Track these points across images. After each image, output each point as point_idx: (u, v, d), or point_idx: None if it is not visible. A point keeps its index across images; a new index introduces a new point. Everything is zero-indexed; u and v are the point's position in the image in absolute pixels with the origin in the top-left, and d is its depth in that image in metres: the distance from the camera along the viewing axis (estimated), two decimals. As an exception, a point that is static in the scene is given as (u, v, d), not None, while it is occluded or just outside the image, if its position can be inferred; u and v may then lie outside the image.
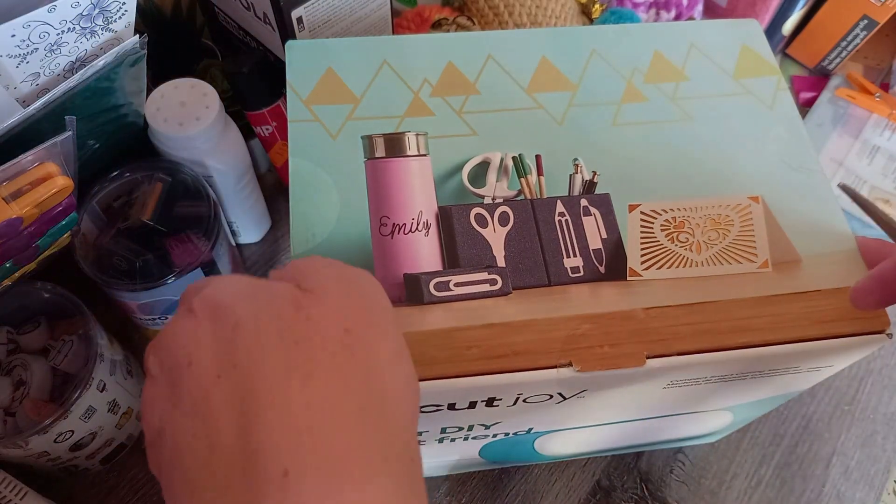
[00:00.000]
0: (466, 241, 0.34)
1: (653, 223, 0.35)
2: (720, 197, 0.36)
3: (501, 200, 0.35)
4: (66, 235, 0.42)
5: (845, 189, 0.37)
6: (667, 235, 0.35)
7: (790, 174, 0.37)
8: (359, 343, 0.23)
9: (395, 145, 0.36)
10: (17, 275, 0.41)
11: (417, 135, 0.36)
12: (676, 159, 0.37)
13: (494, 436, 0.39)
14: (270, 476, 0.19)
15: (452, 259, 0.33)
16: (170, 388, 0.22)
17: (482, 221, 0.34)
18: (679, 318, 0.32)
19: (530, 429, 0.39)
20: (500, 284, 0.33)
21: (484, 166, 0.36)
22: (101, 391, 0.42)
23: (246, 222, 0.55)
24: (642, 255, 0.34)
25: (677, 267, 0.34)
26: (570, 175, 0.36)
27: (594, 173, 0.36)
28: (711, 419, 0.44)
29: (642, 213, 0.35)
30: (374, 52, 0.39)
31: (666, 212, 0.36)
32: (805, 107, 0.69)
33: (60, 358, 0.44)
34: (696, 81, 0.40)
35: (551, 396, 0.33)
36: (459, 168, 0.36)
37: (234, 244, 0.54)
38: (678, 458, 0.51)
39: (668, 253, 0.34)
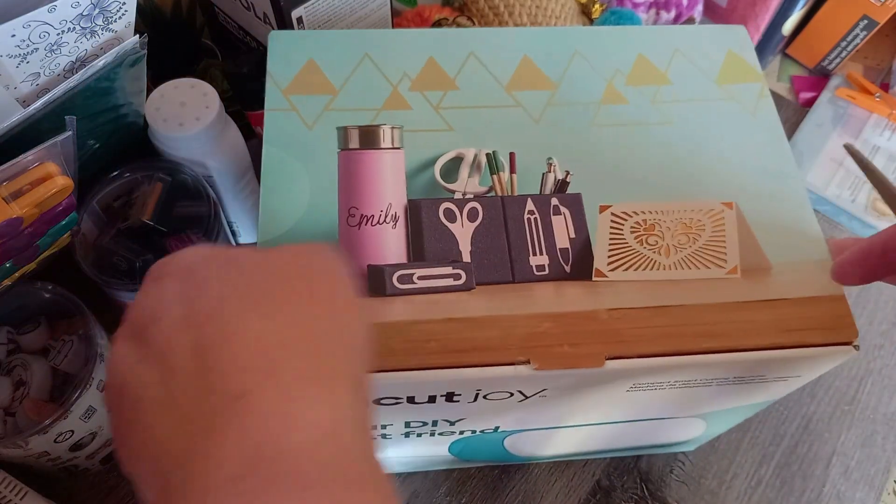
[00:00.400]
0: (433, 234, 0.34)
1: (623, 225, 0.35)
2: (694, 201, 0.36)
3: (472, 196, 0.35)
4: (66, 235, 0.42)
5: (850, 150, 0.37)
6: (636, 238, 0.35)
7: (767, 180, 0.37)
8: (317, 290, 0.24)
9: (369, 137, 0.36)
10: (17, 275, 0.41)
11: (393, 128, 0.36)
12: (653, 162, 0.37)
13: (461, 433, 0.39)
14: (228, 398, 0.20)
15: (418, 252, 0.33)
16: (136, 346, 0.23)
17: (451, 216, 0.34)
18: (643, 320, 0.32)
19: (497, 427, 0.39)
20: (463, 279, 0.33)
21: (457, 162, 0.36)
22: (102, 391, 0.42)
23: (246, 222, 0.55)
24: (609, 257, 0.34)
25: (644, 269, 0.34)
26: (543, 174, 0.36)
27: (567, 173, 0.36)
28: (684, 426, 0.44)
29: (613, 214, 0.35)
30: (356, 44, 0.39)
31: (637, 214, 0.35)
32: (805, 107, 0.69)
33: (60, 358, 0.44)
34: (678, 85, 0.40)
35: (511, 394, 0.33)
36: (433, 163, 0.36)
37: (234, 244, 0.54)
38: (678, 458, 0.51)
39: (635, 255, 0.34)
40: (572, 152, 0.37)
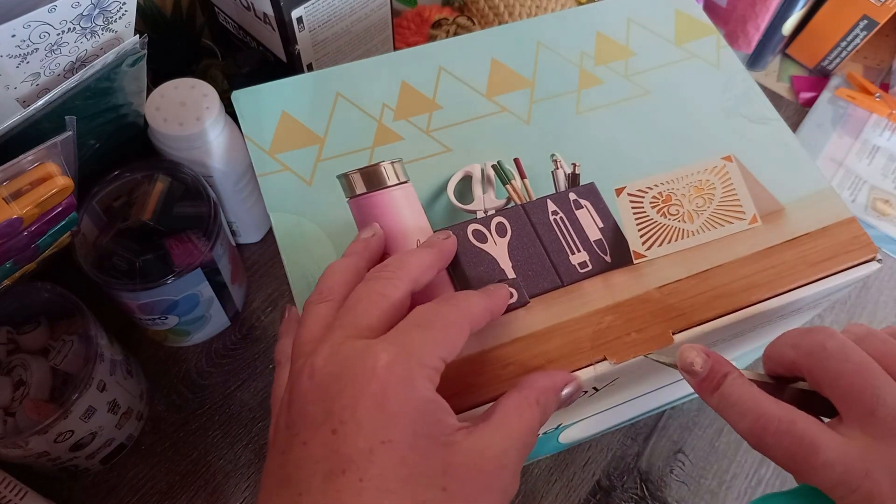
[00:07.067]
0: (471, 260, 0.33)
1: (642, 202, 0.36)
2: (696, 163, 0.37)
3: (493, 211, 0.35)
4: (66, 235, 0.42)
5: None
6: (658, 211, 0.36)
7: (752, 127, 0.39)
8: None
9: (373, 178, 0.35)
10: (17, 275, 0.41)
11: (393, 163, 0.36)
12: (645, 134, 0.38)
13: None
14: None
15: (462, 281, 0.33)
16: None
17: (481, 237, 0.34)
18: (691, 289, 0.33)
19: (559, 425, 0.39)
20: (516, 297, 0.33)
21: (467, 181, 0.36)
22: (101, 391, 0.42)
23: (246, 222, 0.55)
24: (641, 236, 0.35)
25: (676, 240, 0.35)
26: (552, 171, 0.36)
27: (574, 165, 0.36)
28: None
29: (629, 194, 0.36)
30: (323, 86, 0.39)
31: (651, 188, 0.36)
32: (805, 107, 0.69)
33: (60, 358, 0.44)
34: (642, 55, 0.41)
35: (586, 392, 0.33)
36: (443, 187, 0.36)
37: (234, 244, 0.54)
38: (678, 458, 0.51)
39: (663, 228, 0.35)
40: (568, 144, 0.37)
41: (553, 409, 0.29)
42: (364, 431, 0.24)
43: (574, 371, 0.31)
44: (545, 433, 0.40)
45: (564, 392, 0.30)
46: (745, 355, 0.44)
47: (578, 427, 0.43)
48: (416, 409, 0.25)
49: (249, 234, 0.57)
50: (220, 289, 0.49)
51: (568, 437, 0.45)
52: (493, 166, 0.36)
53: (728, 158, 0.37)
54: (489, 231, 0.34)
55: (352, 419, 0.25)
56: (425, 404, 0.26)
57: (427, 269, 0.31)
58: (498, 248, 0.34)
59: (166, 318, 0.47)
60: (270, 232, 0.59)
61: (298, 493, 0.24)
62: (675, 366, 0.30)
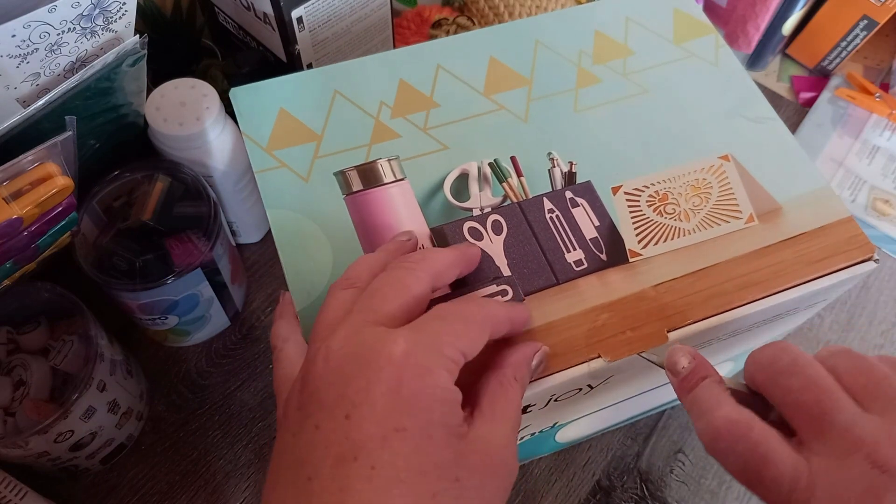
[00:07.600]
0: None
1: (638, 201, 0.36)
2: (693, 162, 0.37)
3: (490, 209, 0.35)
4: (66, 235, 0.42)
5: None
6: (654, 210, 0.36)
7: (750, 126, 0.39)
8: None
9: (369, 176, 0.35)
10: (17, 275, 0.41)
11: (390, 160, 0.36)
12: (642, 133, 0.38)
13: (521, 439, 0.39)
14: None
15: (457, 278, 0.33)
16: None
17: (476, 234, 0.34)
18: (687, 287, 0.33)
19: (555, 423, 0.39)
20: (511, 294, 0.33)
21: (463, 179, 0.36)
22: (101, 391, 0.42)
23: (246, 222, 0.55)
24: (637, 234, 0.35)
25: (672, 239, 0.35)
26: (549, 170, 0.36)
27: (571, 163, 0.36)
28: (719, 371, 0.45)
29: (626, 192, 0.36)
30: (321, 84, 0.39)
31: (648, 187, 0.36)
32: (805, 107, 0.69)
33: (60, 358, 0.44)
34: (641, 54, 0.41)
35: (580, 389, 0.33)
36: (439, 185, 0.36)
37: (234, 244, 0.54)
38: (678, 458, 0.51)
39: (659, 227, 0.35)
40: (565, 142, 0.37)
41: (528, 382, 0.30)
42: (377, 417, 0.24)
43: (568, 369, 0.31)
44: (541, 431, 0.40)
45: (534, 362, 0.30)
46: (741, 356, 0.44)
47: (576, 426, 0.43)
48: (433, 398, 0.25)
49: (249, 234, 0.57)
50: (220, 289, 0.49)
51: (565, 436, 0.45)
52: (490, 164, 0.36)
53: (725, 158, 0.37)
54: (485, 229, 0.34)
55: (365, 403, 0.24)
56: (442, 393, 0.25)
57: (449, 267, 0.31)
58: (494, 246, 0.34)
59: (166, 318, 0.47)
60: (270, 232, 0.59)
61: (308, 478, 0.24)
62: (663, 365, 0.30)
